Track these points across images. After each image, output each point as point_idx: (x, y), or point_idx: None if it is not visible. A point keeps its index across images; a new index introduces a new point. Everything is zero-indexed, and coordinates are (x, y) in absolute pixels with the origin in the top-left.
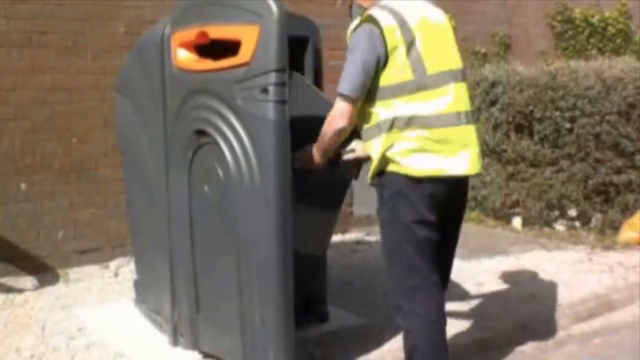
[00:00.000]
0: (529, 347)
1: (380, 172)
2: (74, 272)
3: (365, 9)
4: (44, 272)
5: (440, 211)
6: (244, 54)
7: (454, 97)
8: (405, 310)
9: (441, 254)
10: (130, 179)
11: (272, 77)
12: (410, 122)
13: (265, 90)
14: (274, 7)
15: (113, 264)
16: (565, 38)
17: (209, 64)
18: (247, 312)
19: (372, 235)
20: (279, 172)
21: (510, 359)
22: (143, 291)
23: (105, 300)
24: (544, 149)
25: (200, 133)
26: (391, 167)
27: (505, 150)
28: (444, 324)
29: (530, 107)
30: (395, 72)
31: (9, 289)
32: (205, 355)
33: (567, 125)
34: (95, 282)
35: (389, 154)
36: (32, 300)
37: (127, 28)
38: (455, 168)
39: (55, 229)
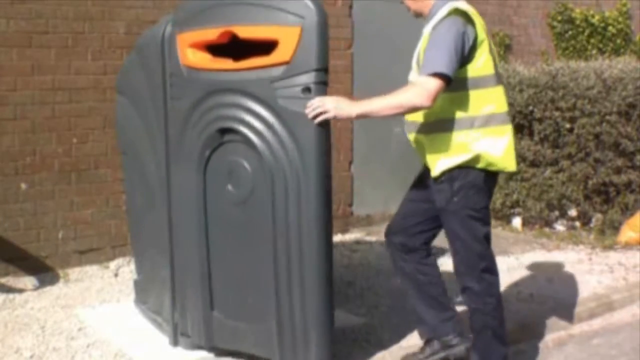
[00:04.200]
0: (529, 347)
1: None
2: (74, 272)
3: (418, 9)
4: (44, 272)
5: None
6: (283, 53)
7: (505, 97)
8: (476, 291)
9: None
10: (131, 179)
11: (314, 76)
12: (491, 117)
13: (307, 89)
14: (316, 9)
15: (113, 264)
16: (565, 38)
17: (228, 63)
18: (286, 303)
19: (372, 235)
20: (320, 165)
21: (510, 359)
22: (143, 291)
23: (105, 300)
24: (544, 149)
25: (224, 131)
26: (471, 162)
27: None
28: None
29: (530, 107)
30: (480, 64)
31: (9, 289)
32: (219, 353)
33: (567, 125)
34: (95, 282)
35: (477, 149)
36: (32, 300)
37: (127, 28)
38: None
39: (55, 229)
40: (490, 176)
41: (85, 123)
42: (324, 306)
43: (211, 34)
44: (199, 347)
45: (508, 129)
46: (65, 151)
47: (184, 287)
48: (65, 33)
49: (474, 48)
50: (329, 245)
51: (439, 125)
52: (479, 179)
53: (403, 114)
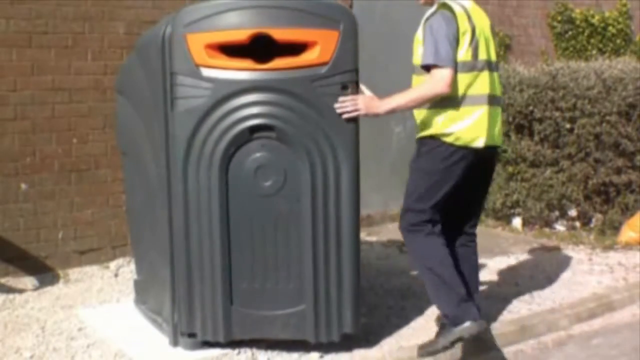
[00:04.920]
0: (529, 347)
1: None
2: (74, 273)
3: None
4: (44, 272)
5: (467, 175)
6: (323, 55)
7: (489, 82)
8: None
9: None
10: (131, 179)
11: (351, 76)
12: (463, 98)
13: (345, 87)
14: (350, 15)
15: (113, 264)
16: (565, 38)
17: (255, 62)
18: (322, 285)
19: (372, 235)
20: (356, 155)
21: (510, 359)
22: (143, 291)
23: (105, 301)
24: (544, 149)
25: (255, 128)
26: (440, 135)
27: (505, 151)
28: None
29: (531, 107)
30: (461, 52)
31: (9, 289)
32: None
33: (567, 125)
34: (95, 282)
35: (446, 123)
36: (32, 301)
37: (127, 28)
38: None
39: (55, 229)
40: (462, 149)
41: (85, 123)
42: (356, 283)
43: (238, 35)
44: (208, 344)
45: (477, 109)
46: (65, 151)
47: (193, 286)
48: (65, 33)
49: (458, 38)
50: (359, 226)
51: None
52: (446, 151)
53: (425, 103)
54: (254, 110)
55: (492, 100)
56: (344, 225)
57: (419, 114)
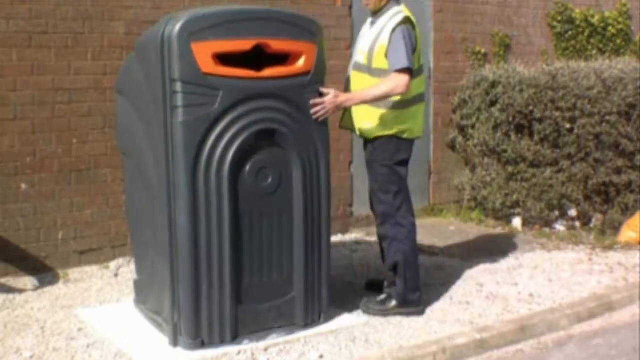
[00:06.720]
0: (529, 347)
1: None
2: (74, 273)
3: (377, 7)
4: (44, 272)
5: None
6: (307, 64)
7: (424, 82)
8: (392, 222)
9: None
10: (131, 179)
11: (324, 83)
12: (413, 99)
13: (321, 94)
14: (322, 29)
15: (113, 264)
16: (565, 38)
17: (255, 71)
18: (311, 271)
19: (372, 236)
20: (328, 151)
21: (510, 359)
22: (143, 291)
23: (105, 301)
24: (544, 149)
25: (261, 133)
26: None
27: (505, 151)
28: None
29: (531, 107)
30: (415, 59)
31: (9, 289)
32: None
33: (567, 125)
34: (95, 282)
35: (404, 126)
36: (32, 301)
37: (127, 28)
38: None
39: (55, 229)
40: (411, 141)
41: (85, 123)
42: (327, 264)
43: (243, 45)
44: (212, 344)
45: (420, 106)
46: (65, 151)
47: (200, 293)
48: (65, 33)
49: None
50: (330, 215)
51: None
52: (405, 145)
53: (387, 98)
54: (259, 116)
55: (425, 97)
56: (323, 214)
57: (374, 115)
